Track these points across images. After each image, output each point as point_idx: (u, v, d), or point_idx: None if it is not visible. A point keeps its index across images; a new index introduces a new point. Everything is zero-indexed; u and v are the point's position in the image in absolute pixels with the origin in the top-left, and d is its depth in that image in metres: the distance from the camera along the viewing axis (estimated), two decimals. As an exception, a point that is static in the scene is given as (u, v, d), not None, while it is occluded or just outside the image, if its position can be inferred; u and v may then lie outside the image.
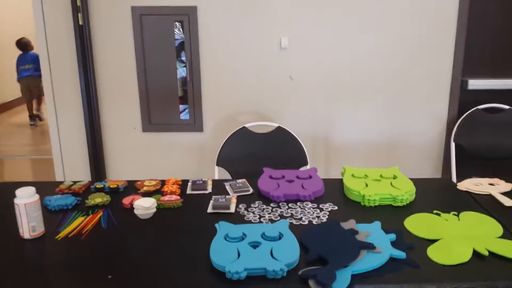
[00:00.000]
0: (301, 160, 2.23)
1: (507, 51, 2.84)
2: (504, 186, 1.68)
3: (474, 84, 2.80)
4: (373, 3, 2.67)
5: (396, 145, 2.89)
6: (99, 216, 1.46)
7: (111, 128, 2.87)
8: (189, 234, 1.34)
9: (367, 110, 2.84)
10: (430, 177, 2.90)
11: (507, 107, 2.58)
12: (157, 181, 1.72)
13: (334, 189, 1.68)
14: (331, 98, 2.82)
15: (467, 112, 2.62)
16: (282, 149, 2.27)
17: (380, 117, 2.85)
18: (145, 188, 1.66)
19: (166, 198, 1.55)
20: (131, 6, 2.67)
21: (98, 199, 1.56)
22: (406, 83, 2.79)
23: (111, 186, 1.66)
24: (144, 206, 1.43)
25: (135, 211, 1.44)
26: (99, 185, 1.68)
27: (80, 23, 2.67)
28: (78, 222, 1.41)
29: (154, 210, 1.46)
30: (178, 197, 1.56)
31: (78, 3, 2.63)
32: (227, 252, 1.18)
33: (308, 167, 2.20)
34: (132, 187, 1.70)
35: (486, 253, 1.20)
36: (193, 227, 1.39)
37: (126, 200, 1.54)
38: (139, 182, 1.72)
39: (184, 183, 1.74)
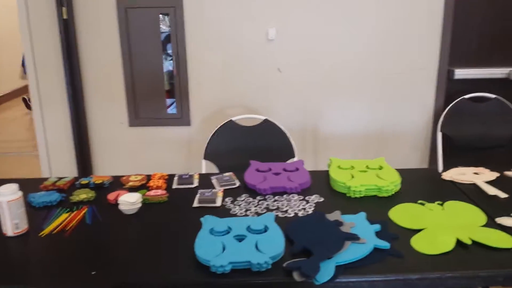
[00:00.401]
0: (289, 152, 2.23)
1: (493, 40, 2.85)
2: (489, 175, 1.69)
3: (461, 73, 2.82)
4: (359, -6, 2.67)
5: (384, 136, 2.90)
6: (83, 212, 1.45)
7: (97, 123, 2.84)
8: (175, 229, 1.34)
9: (355, 102, 2.84)
10: (418, 167, 2.91)
11: (493, 96, 2.59)
12: (143, 176, 1.71)
13: (321, 181, 1.68)
14: (319, 90, 2.82)
15: (454, 102, 2.63)
16: (269, 142, 2.27)
17: (368, 108, 2.85)
18: (130, 183, 1.65)
19: (152, 193, 1.54)
20: (116, -1, 2.64)
21: (83, 195, 1.55)
22: (394, 73, 2.79)
23: (96, 182, 1.65)
24: (129, 201, 1.42)
25: (120, 207, 1.43)
26: (84, 181, 1.67)
27: (65, 17, 2.63)
28: (62, 218, 1.40)
29: (139, 205, 1.46)
30: (164, 192, 1.55)
31: (62, -3, 2.60)
32: (212, 246, 1.17)
33: (295, 159, 2.20)
34: (117, 183, 1.68)
35: (470, 242, 1.21)
36: (179, 222, 1.39)
37: (111, 196, 1.52)
38: (124, 177, 1.70)
39: (170, 177, 1.73)
